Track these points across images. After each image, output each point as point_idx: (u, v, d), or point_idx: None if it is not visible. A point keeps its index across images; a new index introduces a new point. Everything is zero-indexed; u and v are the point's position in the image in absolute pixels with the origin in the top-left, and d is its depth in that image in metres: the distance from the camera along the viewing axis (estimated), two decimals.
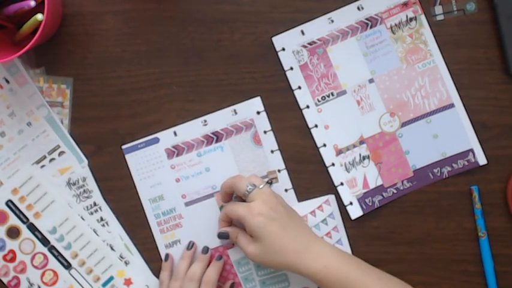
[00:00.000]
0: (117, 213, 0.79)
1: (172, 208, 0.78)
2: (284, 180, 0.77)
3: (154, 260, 0.79)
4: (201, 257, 0.77)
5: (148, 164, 0.78)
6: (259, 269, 0.78)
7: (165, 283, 0.77)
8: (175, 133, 0.78)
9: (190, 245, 0.78)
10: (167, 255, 0.78)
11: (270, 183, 0.74)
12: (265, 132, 0.77)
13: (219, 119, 0.77)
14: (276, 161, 0.77)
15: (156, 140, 0.78)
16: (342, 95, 0.77)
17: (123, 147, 0.78)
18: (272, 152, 0.77)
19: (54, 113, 0.78)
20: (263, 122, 0.77)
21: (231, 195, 0.76)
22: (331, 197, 0.77)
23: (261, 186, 0.72)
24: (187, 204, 0.78)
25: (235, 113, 0.77)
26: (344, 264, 0.69)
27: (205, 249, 0.77)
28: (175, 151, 0.78)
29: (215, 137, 0.77)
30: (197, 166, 0.78)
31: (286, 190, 0.77)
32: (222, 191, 0.76)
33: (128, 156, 0.78)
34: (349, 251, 0.78)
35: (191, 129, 0.77)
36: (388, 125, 0.77)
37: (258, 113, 0.77)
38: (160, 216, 0.78)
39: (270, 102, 0.77)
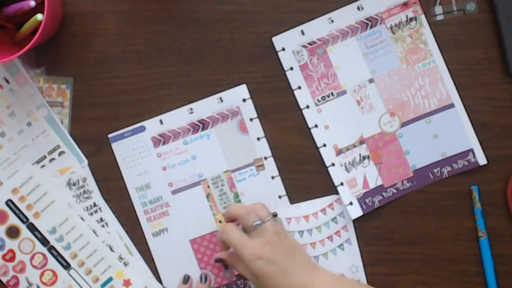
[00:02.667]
0: (117, 213, 0.79)
1: (159, 196, 0.78)
2: (271, 167, 0.78)
3: (153, 261, 0.79)
4: (201, 286, 0.77)
5: (134, 152, 0.78)
6: None
7: None
8: (161, 121, 0.78)
9: (186, 278, 0.77)
10: None
11: (274, 215, 0.75)
12: (251, 119, 0.77)
13: (205, 107, 0.77)
14: (262, 149, 0.77)
15: (142, 129, 0.78)
16: (342, 95, 0.77)
17: (109, 136, 0.78)
18: (258, 139, 0.77)
19: (54, 113, 0.78)
20: (249, 110, 0.77)
21: (234, 220, 0.76)
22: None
23: (266, 220, 0.71)
24: (174, 192, 0.78)
25: (221, 100, 0.77)
26: None
27: (204, 278, 0.77)
28: (162, 139, 0.78)
29: (201, 125, 0.77)
30: (183, 154, 0.78)
31: (272, 177, 0.78)
32: (226, 216, 0.75)
33: (114, 145, 0.78)
34: (357, 250, 0.78)
35: (177, 117, 0.77)
36: (388, 125, 0.77)
37: (244, 100, 0.77)
38: (147, 204, 0.78)
39: (270, 102, 0.77)
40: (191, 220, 0.78)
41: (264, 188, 0.78)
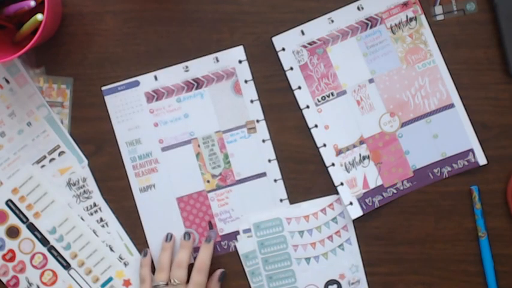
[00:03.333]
0: (117, 213, 0.79)
1: (149, 152, 0.78)
2: (262, 131, 0.77)
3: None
4: (185, 243, 0.76)
5: (127, 106, 0.78)
6: (267, 263, 0.78)
7: (148, 279, 0.76)
8: (155, 77, 0.77)
9: (169, 237, 0.77)
10: (146, 251, 0.78)
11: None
12: (246, 81, 0.77)
13: (201, 66, 0.77)
14: (255, 111, 0.77)
15: (136, 83, 0.77)
16: (342, 95, 0.77)
17: (103, 88, 0.77)
18: (252, 101, 0.77)
19: (54, 113, 0.78)
20: (244, 71, 0.77)
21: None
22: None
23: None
24: (164, 149, 0.78)
25: (217, 60, 0.77)
26: None
27: (188, 235, 0.77)
28: (155, 95, 0.77)
29: (196, 84, 0.77)
30: (176, 112, 0.78)
31: (263, 141, 0.77)
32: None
33: (107, 98, 0.77)
34: (357, 250, 0.78)
35: (172, 75, 0.77)
36: (388, 125, 0.77)
37: (240, 62, 0.77)
38: (136, 159, 0.78)
39: (270, 102, 0.77)
40: (179, 178, 0.78)
41: (254, 150, 0.78)
